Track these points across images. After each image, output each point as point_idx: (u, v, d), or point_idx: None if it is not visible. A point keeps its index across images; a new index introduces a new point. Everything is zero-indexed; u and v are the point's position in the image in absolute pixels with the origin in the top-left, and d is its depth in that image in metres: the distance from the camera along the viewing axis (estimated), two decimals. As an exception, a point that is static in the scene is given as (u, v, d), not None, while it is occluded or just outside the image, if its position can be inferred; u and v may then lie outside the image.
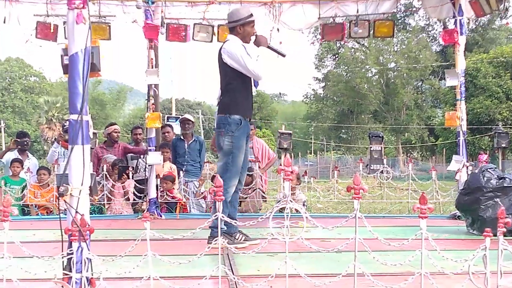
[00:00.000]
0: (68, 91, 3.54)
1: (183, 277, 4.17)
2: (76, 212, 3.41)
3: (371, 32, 8.61)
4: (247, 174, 9.32)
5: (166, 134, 10.22)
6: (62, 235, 3.44)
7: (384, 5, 8.46)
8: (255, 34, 5.99)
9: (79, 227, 3.34)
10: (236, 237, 5.87)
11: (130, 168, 9.14)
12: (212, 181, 8.89)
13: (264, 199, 9.52)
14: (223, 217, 3.49)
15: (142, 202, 8.67)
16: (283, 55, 6.18)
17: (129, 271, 3.47)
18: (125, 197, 8.94)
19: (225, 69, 5.89)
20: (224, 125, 5.84)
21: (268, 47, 6.03)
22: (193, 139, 9.90)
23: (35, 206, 8.91)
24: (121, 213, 8.81)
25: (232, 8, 8.27)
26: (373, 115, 55.29)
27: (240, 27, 5.89)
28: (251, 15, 5.98)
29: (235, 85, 5.87)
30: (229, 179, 5.76)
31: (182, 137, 10.04)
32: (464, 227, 6.88)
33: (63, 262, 3.43)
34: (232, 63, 5.77)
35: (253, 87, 6.08)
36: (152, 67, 8.20)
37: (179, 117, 13.95)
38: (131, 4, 8.28)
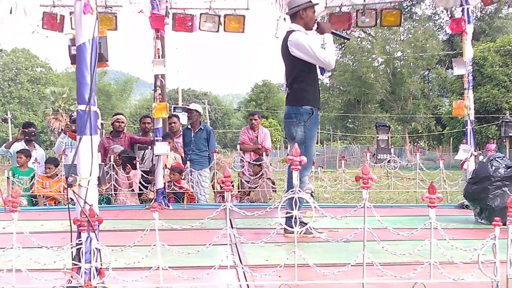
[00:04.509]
0: (76, 81, 3.53)
1: (192, 267, 4.18)
2: (85, 202, 3.41)
3: (378, 21, 8.57)
4: (256, 164, 9.37)
5: (173, 124, 10.22)
6: (71, 225, 3.44)
7: (391, -6, 8.43)
8: (316, 20, 5.93)
9: (88, 218, 3.35)
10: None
11: (137, 158, 9.15)
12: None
13: (274, 189, 9.52)
14: (231, 207, 3.49)
15: (148, 192, 8.68)
16: (348, 39, 6.18)
17: (138, 261, 3.48)
18: (130, 188, 8.94)
19: (292, 61, 5.83)
20: (296, 115, 5.82)
21: (332, 32, 5.94)
22: (199, 128, 9.90)
23: (43, 197, 8.93)
24: (125, 204, 8.82)
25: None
26: (380, 105, 55.12)
27: (303, 11, 5.82)
28: (312, 0, 5.88)
29: (304, 76, 5.84)
30: (304, 169, 5.67)
31: (189, 126, 10.06)
32: (472, 216, 6.87)
33: (72, 252, 3.44)
34: (300, 55, 5.72)
35: (319, 75, 6.04)
36: (159, 57, 8.17)
37: (185, 107, 13.96)
38: (137, -6, 8.27)
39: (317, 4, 5.97)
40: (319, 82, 6.11)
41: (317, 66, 5.87)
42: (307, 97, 5.84)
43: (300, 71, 5.82)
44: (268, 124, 53.01)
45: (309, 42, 5.66)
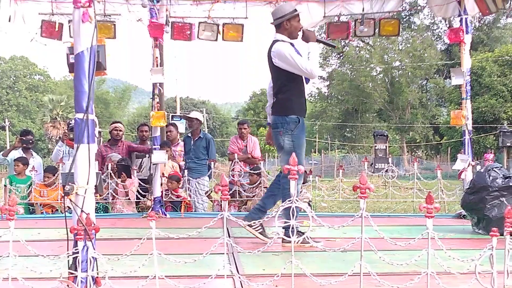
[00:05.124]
0: (74, 89, 3.53)
1: (189, 276, 4.16)
2: (82, 211, 3.40)
3: (377, 30, 8.59)
4: (253, 173, 9.34)
5: (169, 133, 10.22)
6: (67, 234, 3.43)
7: (390, 3, 8.44)
8: (301, 29, 5.97)
9: (84, 226, 3.34)
10: (254, 226, 5.77)
11: (134, 167, 9.14)
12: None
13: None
14: (228, 216, 3.48)
15: (145, 201, 8.66)
16: (333, 47, 6.22)
17: (134, 270, 3.47)
18: (127, 197, 8.93)
19: (276, 71, 5.88)
20: (282, 124, 5.85)
21: (317, 40, 6.00)
22: (198, 137, 9.89)
23: (40, 205, 8.91)
24: (122, 212, 8.80)
25: (237, 6, 8.32)
26: (378, 114, 55.20)
27: (286, 22, 5.86)
28: (296, 10, 5.96)
29: (289, 86, 5.86)
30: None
31: (189, 135, 10.06)
32: (469, 226, 6.86)
33: (68, 261, 3.43)
34: (283, 65, 5.76)
35: (305, 84, 6.05)
36: (157, 66, 8.18)
37: (182, 117, 13.95)
38: (136, 2, 8.27)
39: (299, 14, 6.00)
40: (308, 92, 6.15)
41: (303, 76, 5.89)
42: (293, 106, 5.87)
43: (284, 81, 5.86)
44: (266, 133, 52.92)
45: (290, 52, 5.71)
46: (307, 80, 6.02)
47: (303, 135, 5.97)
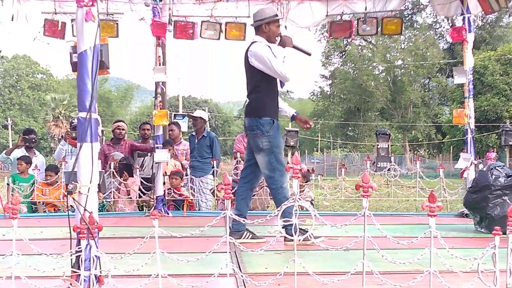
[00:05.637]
0: (77, 89, 3.54)
1: (191, 275, 4.17)
2: (85, 209, 3.41)
3: (379, 29, 8.58)
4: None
5: (170, 132, 10.22)
6: (70, 232, 3.44)
7: (392, 2, 8.43)
8: (280, 34, 6.00)
9: (87, 225, 3.35)
10: (243, 236, 5.87)
11: (136, 166, 9.14)
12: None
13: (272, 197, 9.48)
14: (231, 215, 3.50)
15: (148, 200, 8.67)
16: (309, 54, 6.19)
17: (137, 268, 3.47)
18: (128, 196, 8.93)
19: (252, 72, 5.90)
20: (257, 126, 5.86)
21: (294, 47, 6.01)
22: (202, 135, 9.89)
23: (43, 204, 8.92)
24: (123, 211, 8.80)
25: (239, 5, 8.30)
26: (380, 113, 55.19)
27: (265, 25, 5.91)
28: (276, 15, 6.04)
29: (263, 87, 5.89)
30: (281, 176, 5.82)
31: (194, 133, 10.06)
32: (472, 225, 6.86)
33: (71, 259, 3.44)
34: (258, 65, 5.78)
35: (279, 88, 6.07)
36: (160, 65, 8.18)
37: (185, 115, 13.93)
38: (139, 1, 8.27)
39: (279, 20, 6.05)
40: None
41: (278, 79, 5.92)
42: (265, 108, 5.90)
43: (258, 81, 5.89)
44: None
45: (268, 55, 5.74)
46: (282, 84, 6.04)
47: (279, 135, 6.01)
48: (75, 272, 3.40)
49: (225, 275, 3.49)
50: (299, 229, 5.46)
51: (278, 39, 5.99)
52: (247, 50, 5.95)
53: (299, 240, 5.32)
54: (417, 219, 7.82)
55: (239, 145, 10.07)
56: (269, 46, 5.87)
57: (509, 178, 6.38)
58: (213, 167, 9.42)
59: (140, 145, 9.87)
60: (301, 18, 8.58)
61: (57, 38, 8.45)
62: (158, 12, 8.14)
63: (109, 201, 8.82)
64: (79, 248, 3.38)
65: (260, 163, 5.93)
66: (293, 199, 3.42)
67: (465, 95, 8.09)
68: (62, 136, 10.97)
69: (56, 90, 62.92)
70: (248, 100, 6.07)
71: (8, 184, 8.73)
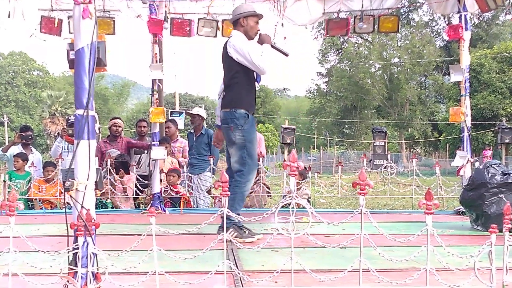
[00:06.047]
0: (74, 86, 3.53)
1: (188, 272, 4.17)
2: (82, 206, 3.41)
3: (376, 27, 8.58)
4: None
5: (167, 129, 10.23)
6: (67, 229, 3.44)
7: (389, 0, 8.44)
8: (258, 31, 6.01)
9: (84, 222, 3.35)
10: (241, 233, 5.86)
11: (133, 163, 9.13)
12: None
13: (269, 194, 9.50)
14: (228, 212, 3.50)
15: (145, 197, 8.66)
16: (286, 55, 6.19)
17: (134, 266, 3.48)
18: (124, 193, 8.92)
19: (230, 63, 5.90)
20: (232, 120, 5.86)
21: (272, 46, 6.03)
22: (200, 133, 9.88)
23: (39, 201, 8.91)
24: (119, 208, 8.80)
25: (236, 2, 8.28)
26: (377, 110, 55.23)
27: (243, 19, 5.93)
28: (255, 11, 6.04)
29: (239, 79, 5.89)
30: (248, 172, 5.84)
31: (192, 131, 10.06)
32: (468, 223, 6.87)
33: (68, 256, 3.44)
34: (238, 57, 5.79)
35: (256, 83, 6.08)
36: (156, 62, 8.18)
37: (182, 112, 13.92)
38: (135, -2, 8.27)
39: (261, 15, 6.07)
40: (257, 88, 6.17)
41: (255, 73, 5.95)
42: (241, 100, 5.90)
43: (235, 73, 5.89)
44: (264, 129, 53.02)
45: (247, 46, 5.79)
46: (258, 79, 6.05)
47: (254, 130, 6.03)
48: (72, 269, 3.40)
49: (222, 272, 3.49)
50: (238, 226, 5.61)
51: (257, 36, 6.01)
52: (226, 43, 5.97)
53: (232, 236, 5.37)
54: (414, 217, 7.83)
55: None
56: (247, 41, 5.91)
57: (505, 176, 6.39)
58: (210, 164, 9.42)
59: (136, 142, 9.85)
60: (298, 15, 8.57)
61: (54, 35, 8.44)
62: (155, 9, 8.13)
63: (106, 199, 8.82)
64: (76, 245, 3.38)
65: (232, 156, 5.94)
66: (290, 196, 3.43)
67: (462, 93, 8.09)
68: (58, 133, 10.96)
69: (52, 87, 62.81)
70: (224, 93, 6.07)
71: (4, 181, 8.72)
